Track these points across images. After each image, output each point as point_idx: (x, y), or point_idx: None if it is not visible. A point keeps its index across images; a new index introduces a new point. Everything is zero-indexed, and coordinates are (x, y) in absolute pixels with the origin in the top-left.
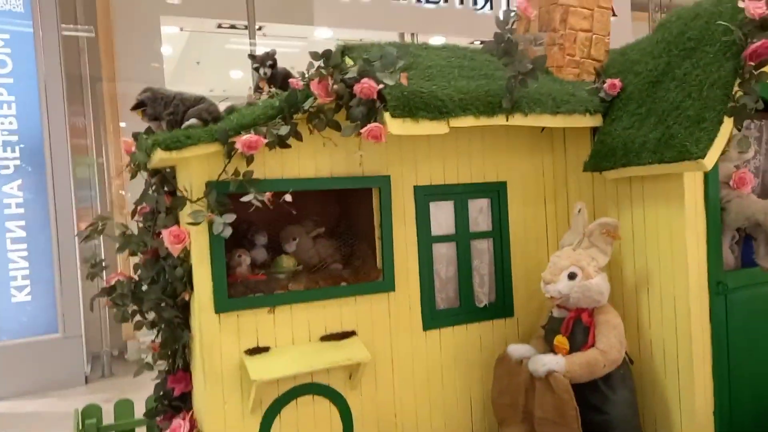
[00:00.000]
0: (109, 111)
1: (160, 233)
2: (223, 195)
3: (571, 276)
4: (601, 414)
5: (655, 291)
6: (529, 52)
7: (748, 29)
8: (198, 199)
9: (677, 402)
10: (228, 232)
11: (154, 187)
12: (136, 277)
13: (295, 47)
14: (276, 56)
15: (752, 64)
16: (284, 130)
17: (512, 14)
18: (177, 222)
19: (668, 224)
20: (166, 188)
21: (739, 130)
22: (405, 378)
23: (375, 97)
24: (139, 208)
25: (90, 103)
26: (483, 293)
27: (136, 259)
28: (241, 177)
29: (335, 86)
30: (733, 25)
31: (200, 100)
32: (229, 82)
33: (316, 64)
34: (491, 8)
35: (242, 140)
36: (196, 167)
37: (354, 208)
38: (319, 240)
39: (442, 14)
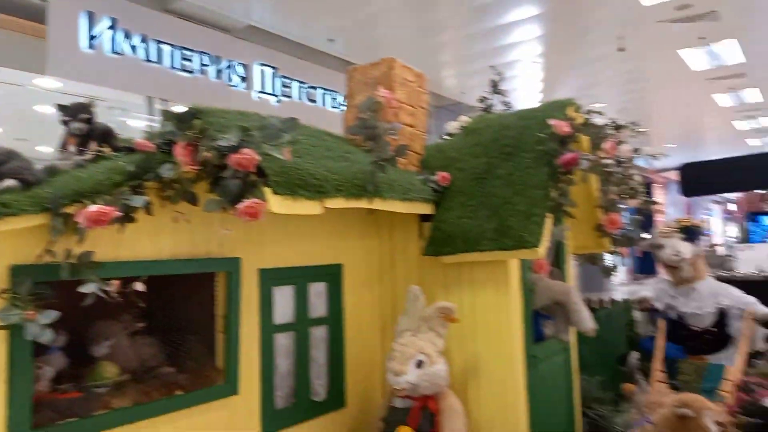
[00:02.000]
0: None
1: None
2: (43, 284)
3: (419, 364)
4: None
5: (483, 373)
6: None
7: (557, 142)
8: (3, 291)
9: None
10: (49, 336)
11: None
12: None
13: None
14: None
15: (565, 170)
16: (138, 201)
17: (374, 102)
18: None
19: (496, 306)
20: None
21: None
22: None
23: (252, 170)
24: None
25: None
26: (320, 385)
27: None
28: (76, 259)
29: (205, 153)
30: (544, 137)
31: (10, 154)
32: None
33: (167, 126)
34: (246, 88)
35: (87, 212)
36: (2, 246)
37: (181, 297)
38: (138, 338)
39: (195, 83)
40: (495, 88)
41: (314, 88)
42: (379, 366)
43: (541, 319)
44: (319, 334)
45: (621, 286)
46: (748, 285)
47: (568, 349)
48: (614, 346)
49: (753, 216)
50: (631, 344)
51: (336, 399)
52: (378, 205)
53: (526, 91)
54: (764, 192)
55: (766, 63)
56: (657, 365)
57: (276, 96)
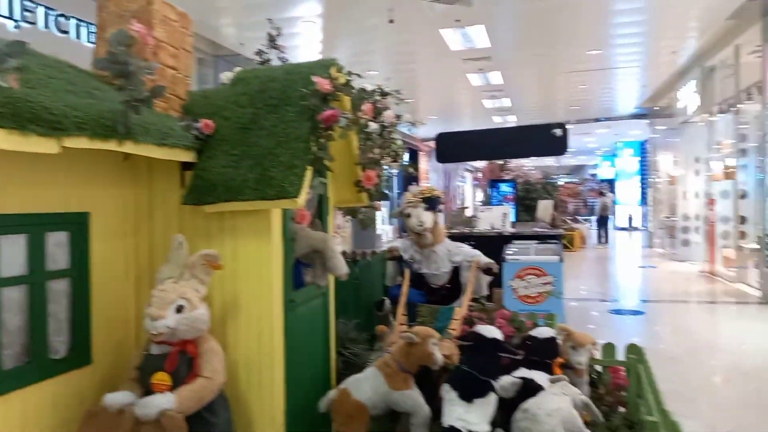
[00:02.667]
0: None
1: None
2: None
3: (179, 309)
4: None
5: (242, 315)
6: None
7: (319, 99)
8: None
9: (259, 411)
10: None
11: None
12: None
13: None
14: None
15: (325, 126)
16: None
17: (126, 36)
18: None
19: (257, 253)
20: None
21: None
22: None
23: None
24: None
25: None
26: (60, 341)
27: None
28: None
29: None
30: (307, 93)
31: None
32: None
33: None
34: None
35: None
36: None
37: None
38: None
39: None
40: (272, 42)
41: (66, 17)
42: (134, 319)
43: (302, 267)
44: (60, 288)
45: (388, 243)
46: (483, 239)
47: (327, 294)
48: (371, 293)
49: (493, 183)
50: (386, 292)
51: (79, 356)
52: (130, 148)
53: (305, 50)
54: (502, 162)
55: (507, 49)
56: (401, 309)
57: (15, 21)
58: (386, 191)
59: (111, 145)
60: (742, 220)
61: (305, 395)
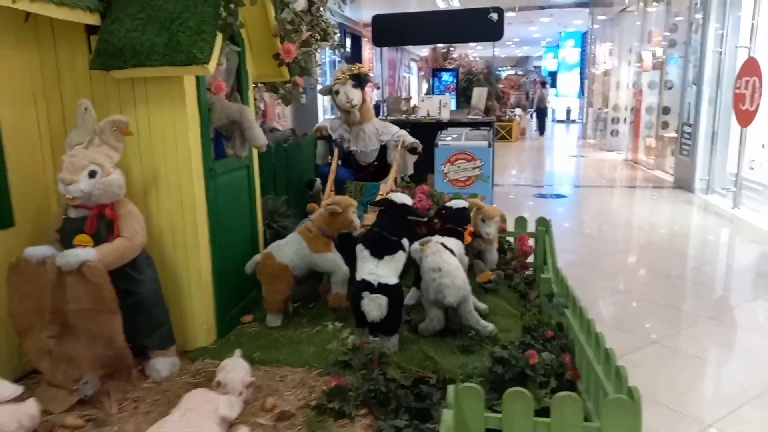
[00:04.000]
0: None
1: None
2: None
3: (92, 174)
4: (132, 296)
5: (162, 183)
6: None
7: None
8: None
9: (186, 270)
10: None
11: None
12: None
13: None
14: None
15: None
16: None
17: None
18: None
19: (173, 122)
20: None
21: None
22: None
23: None
24: None
25: None
26: None
27: None
28: None
29: None
30: None
31: None
32: None
33: None
34: None
35: None
36: None
37: None
38: None
39: None
40: None
41: None
42: (52, 185)
43: (222, 139)
44: None
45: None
46: (420, 126)
47: (250, 166)
48: (303, 172)
49: (436, 72)
50: (317, 172)
51: (1, 218)
52: (26, 6)
53: None
54: (445, 51)
55: None
56: (329, 185)
57: None
58: (312, 68)
59: (5, 1)
60: (666, 110)
61: (233, 259)
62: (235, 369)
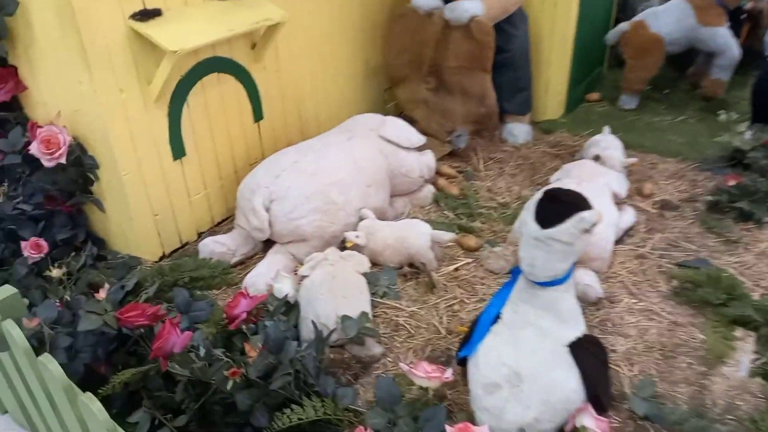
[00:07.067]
0: None
1: None
2: None
3: None
4: (504, 53)
5: None
6: None
7: None
8: None
9: (550, 33)
10: None
11: None
12: None
13: None
14: None
15: None
16: None
17: None
18: None
19: None
20: None
21: None
22: (301, 48)
23: None
24: None
25: None
26: None
27: None
28: None
29: None
30: None
31: None
32: None
33: None
34: None
35: None
36: None
37: None
38: None
39: None
40: None
41: None
42: None
43: None
44: None
45: None
46: None
47: None
48: None
49: None
50: None
51: None
52: None
53: None
54: None
55: None
56: None
57: None
58: None
59: None
60: None
61: (592, 25)
62: (611, 146)
